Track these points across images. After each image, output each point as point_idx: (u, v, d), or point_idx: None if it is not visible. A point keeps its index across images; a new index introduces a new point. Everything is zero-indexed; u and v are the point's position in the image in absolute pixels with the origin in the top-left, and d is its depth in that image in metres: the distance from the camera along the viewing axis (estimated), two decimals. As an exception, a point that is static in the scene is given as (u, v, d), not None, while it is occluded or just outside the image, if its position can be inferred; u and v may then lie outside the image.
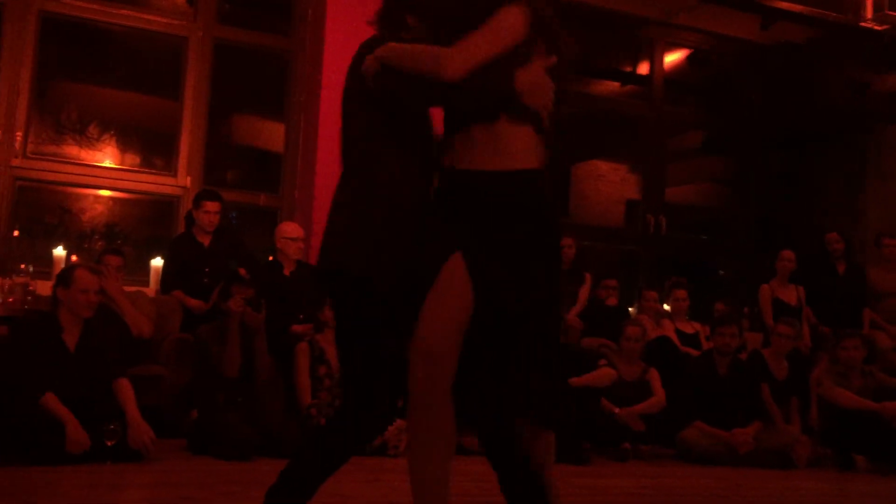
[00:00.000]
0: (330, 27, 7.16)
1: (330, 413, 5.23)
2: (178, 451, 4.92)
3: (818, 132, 9.69)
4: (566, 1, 8.01)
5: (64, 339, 4.56)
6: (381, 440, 5.03)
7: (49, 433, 4.20)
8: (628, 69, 10.03)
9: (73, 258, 6.36)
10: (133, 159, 7.42)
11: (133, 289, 6.08)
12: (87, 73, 7.49)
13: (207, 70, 7.48)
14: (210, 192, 6.50)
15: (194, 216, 6.35)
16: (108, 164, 7.27)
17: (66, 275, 4.65)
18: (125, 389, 4.58)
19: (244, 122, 8.16)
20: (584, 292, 7.31)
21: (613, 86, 10.06)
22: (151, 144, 7.53)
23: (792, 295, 7.68)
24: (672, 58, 9.52)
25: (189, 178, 7.32)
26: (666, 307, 7.59)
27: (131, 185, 7.28)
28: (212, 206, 6.29)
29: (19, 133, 6.84)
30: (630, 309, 8.08)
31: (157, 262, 6.65)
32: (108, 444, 4.23)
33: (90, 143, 7.24)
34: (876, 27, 8.56)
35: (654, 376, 6.36)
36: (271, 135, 7.96)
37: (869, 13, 8.52)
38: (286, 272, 6.34)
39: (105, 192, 7.31)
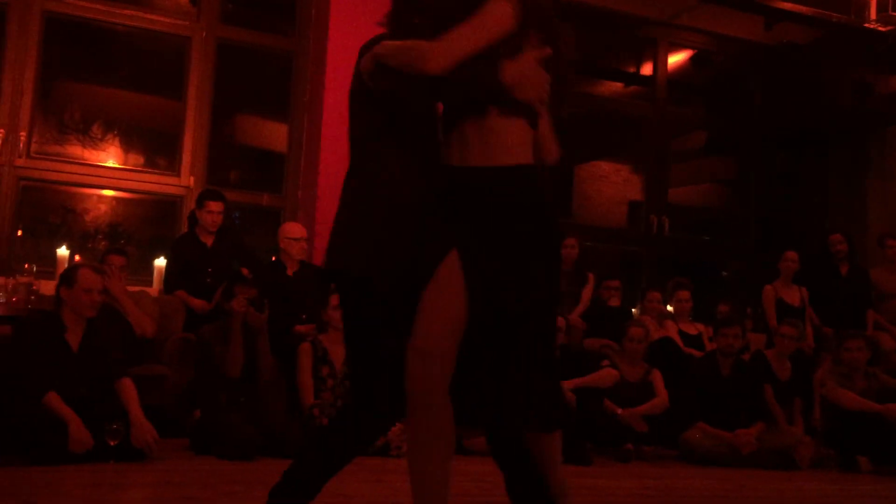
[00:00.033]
0: (333, 27, 7.17)
1: (332, 413, 5.23)
2: (181, 451, 4.93)
3: (821, 133, 9.69)
4: (570, 1, 8.06)
5: (67, 338, 4.56)
6: (383, 441, 5.03)
7: (52, 433, 4.20)
8: (631, 70, 10.03)
9: (77, 258, 6.36)
10: (136, 159, 7.43)
11: (136, 288, 6.08)
12: (91, 73, 7.50)
13: (211, 70, 7.48)
14: (213, 191, 6.50)
15: (197, 216, 6.35)
16: (111, 163, 7.28)
17: (70, 274, 4.65)
18: (128, 389, 4.59)
19: (247, 122, 8.17)
20: (586, 293, 7.30)
21: (617, 86, 10.05)
22: (155, 144, 7.54)
23: (795, 296, 7.67)
24: (675, 58, 9.51)
25: (192, 178, 7.32)
26: (669, 308, 7.58)
27: (135, 185, 7.29)
28: (215, 205, 6.30)
29: (23, 133, 6.85)
30: (633, 310, 8.06)
31: (161, 262, 6.66)
32: (111, 443, 4.23)
33: (94, 142, 7.25)
34: (880, 28, 8.55)
35: (657, 377, 6.36)
36: (274, 135, 7.97)
37: (873, 14, 8.51)
38: (289, 272, 6.35)
39: (108, 192, 7.31)
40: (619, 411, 6.05)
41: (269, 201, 7.66)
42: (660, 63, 9.28)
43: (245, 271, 5.99)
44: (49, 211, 7.20)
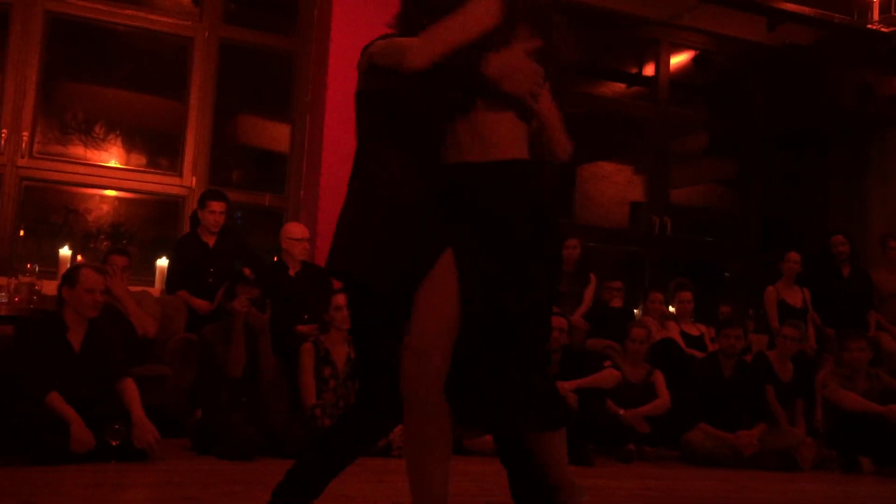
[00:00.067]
0: (336, 27, 7.17)
1: (334, 414, 5.24)
2: (182, 451, 4.93)
3: (823, 134, 9.69)
4: (571, 2, 8.05)
5: (69, 338, 4.56)
6: (385, 441, 5.03)
7: (53, 432, 4.21)
8: (633, 70, 10.02)
9: (79, 258, 6.37)
10: (138, 159, 7.44)
11: (138, 289, 6.09)
12: (93, 74, 7.50)
13: (213, 70, 7.49)
14: (215, 192, 6.51)
15: (199, 216, 6.36)
16: (113, 164, 7.28)
17: (72, 274, 4.66)
18: (130, 389, 4.59)
19: (249, 123, 8.17)
20: (588, 293, 7.31)
21: (619, 87, 10.05)
22: (157, 144, 7.55)
23: (797, 297, 7.67)
24: (677, 59, 9.51)
25: (194, 179, 7.33)
26: (671, 309, 7.58)
27: (137, 186, 7.30)
28: (217, 206, 6.30)
29: (25, 133, 6.86)
30: (635, 310, 8.07)
31: (163, 262, 6.67)
32: (113, 443, 4.23)
33: (96, 143, 7.26)
34: (882, 29, 8.54)
35: (659, 378, 6.36)
36: (276, 135, 7.98)
37: (875, 15, 8.50)
38: (291, 272, 6.35)
39: (111, 192, 7.32)
40: (621, 412, 6.05)
41: (271, 201, 7.66)
42: (662, 64, 9.28)
43: (247, 271, 5.99)
44: (51, 211, 7.21)
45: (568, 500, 2.56)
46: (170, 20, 7.47)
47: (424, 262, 2.44)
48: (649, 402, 6.21)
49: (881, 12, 8.52)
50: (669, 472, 5.70)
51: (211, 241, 6.34)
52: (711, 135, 10.28)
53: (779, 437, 6.18)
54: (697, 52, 9.62)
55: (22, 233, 6.95)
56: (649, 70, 9.50)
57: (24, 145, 6.85)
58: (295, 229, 6.47)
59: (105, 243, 7.15)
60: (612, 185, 10.22)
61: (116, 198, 7.36)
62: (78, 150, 7.18)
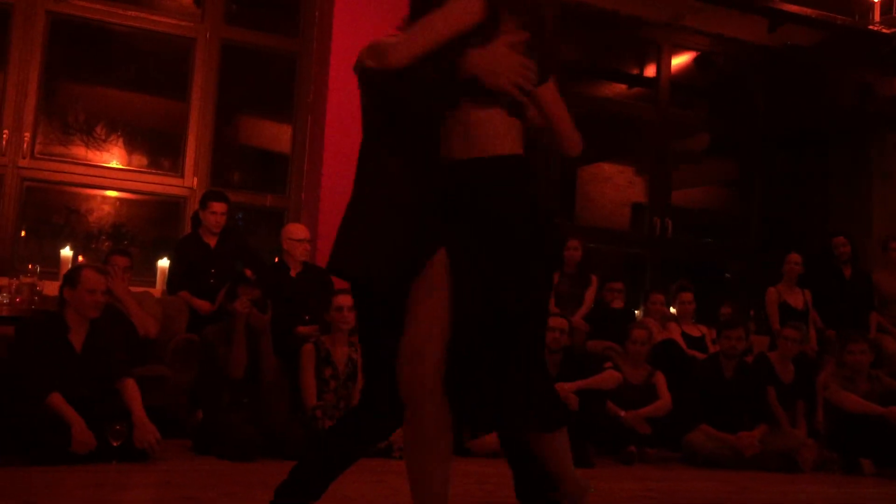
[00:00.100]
0: (337, 28, 7.17)
1: (335, 414, 5.24)
2: (183, 452, 4.94)
3: (824, 134, 9.69)
4: (573, 3, 8.06)
5: (70, 339, 4.57)
6: (385, 442, 5.03)
7: (54, 433, 4.21)
8: (635, 72, 10.03)
9: (80, 258, 6.37)
10: (140, 160, 7.44)
11: (139, 289, 6.09)
12: (95, 74, 7.51)
13: (215, 71, 7.49)
14: (216, 192, 6.51)
15: (201, 217, 6.36)
16: (115, 164, 7.29)
17: (73, 275, 4.66)
18: (131, 390, 4.60)
19: (251, 123, 8.18)
20: (589, 295, 7.31)
21: (620, 88, 10.05)
22: (158, 145, 7.55)
23: (799, 298, 7.66)
24: (679, 60, 9.50)
25: (196, 179, 7.33)
26: (672, 310, 7.58)
27: (138, 186, 7.30)
28: (218, 206, 6.30)
29: (27, 134, 6.86)
30: (636, 312, 8.06)
31: (164, 263, 6.67)
32: (114, 444, 4.23)
33: (97, 143, 7.26)
34: (884, 30, 8.54)
35: (660, 379, 6.35)
36: (278, 136, 7.98)
37: (877, 16, 8.49)
38: (292, 273, 6.35)
39: (112, 193, 7.32)
40: (622, 413, 6.05)
41: (272, 202, 7.67)
42: (663, 65, 9.28)
43: (248, 272, 5.99)
44: (53, 211, 7.21)
45: (573, 500, 2.55)
46: (171, 21, 7.47)
47: (421, 262, 2.44)
48: (650, 404, 6.21)
49: (882, 13, 8.51)
50: (670, 473, 5.70)
51: (212, 241, 6.35)
52: (712, 136, 10.28)
53: (780, 438, 6.18)
54: (698, 53, 9.62)
55: (23, 233, 6.95)
56: (650, 71, 9.51)
57: (25, 146, 6.85)
58: (296, 230, 6.47)
59: (106, 244, 7.15)
60: (613, 186, 10.23)
61: (118, 198, 7.36)
62: (79, 151, 7.19)
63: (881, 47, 8.73)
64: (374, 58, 2.42)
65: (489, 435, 5.36)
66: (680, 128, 9.69)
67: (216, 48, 7.51)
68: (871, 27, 8.57)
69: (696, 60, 9.64)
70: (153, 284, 6.67)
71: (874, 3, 8.49)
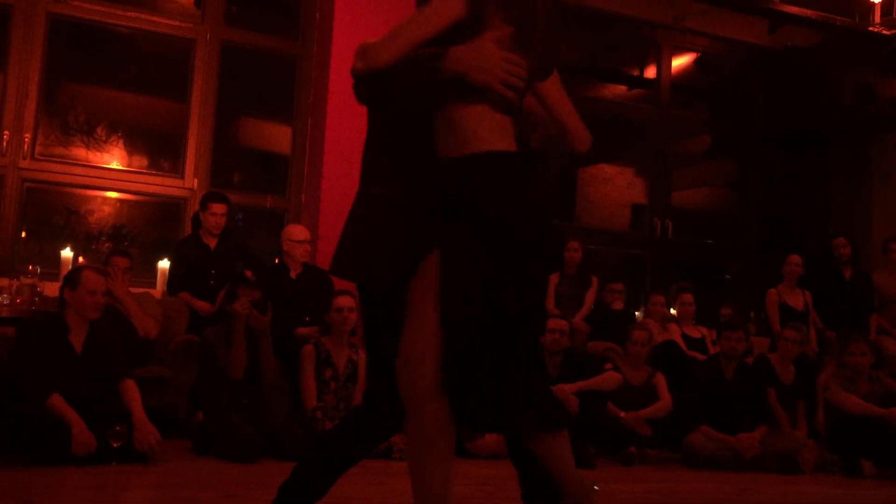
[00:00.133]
0: (338, 29, 7.17)
1: (335, 416, 5.24)
2: (184, 453, 4.93)
3: (824, 136, 9.69)
4: (574, 4, 8.06)
5: (70, 340, 4.57)
6: (386, 443, 5.03)
7: (54, 434, 4.21)
8: (635, 73, 10.03)
9: (81, 260, 6.37)
10: (140, 161, 7.44)
11: (140, 290, 6.09)
12: (95, 75, 7.51)
13: (215, 72, 7.49)
14: (216, 194, 6.51)
15: (201, 218, 6.36)
16: (115, 165, 7.29)
17: (74, 276, 4.66)
18: (131, 391, 4.59)
19: (251, 125, 8.18)
20: (590, 296, 7.31)
21: (620, 89, 10.06)
22: (158, 146, 7.55)
23: (799, 300, 7.66)
24: (679, 61, 9.51)
25: (196, 181, 7.33)
26: (672, 311, 7.58)
27: (138, 187, 7.30)
28: (218, 208, 6.31)
29: (27, 135, 6.86)
30: (636, 313, 8.06)
31: (164, 264, 6.67)
32: (114, 445, 4.23)
33: (98, 144, 7.26)
34: (884, 32, 8.54)
35: (661, 380, 6.35)
36: (278, 137, 7.98)
37: (877, 17, 8.49)
38: (292, 275, 6.35)
39: (112, 194, 7.32)
40: (623, 415, 6.04)
41: (272, 203, 7.66)
42: (663, 66, 9.28)
43: (248, 273, 5.99)
44: (53, 212, 7.21)
45: (577, 502, 2.53)
46: (172, 22, 7.47)
47: (419, 262, 2.44)
48: (650, 405, 6.20)
49: (883, 15, 8.51)
50: (671, 474, 5.69)
51: (212, 243, 6.35)
52: (713, 137, 10.28)
53: (780, 439, 6.17)
54: (699, 54, 9.62)
55: (24, 234, 6.95)
56: (651, 72, 9.51)
57: (25, 147, 6.85)
58: (296, 231, 6.47)
59: (107, 245, 7.15)
60: (614, 187, 10.24)
61: (118, 199, 7.36)
62: (80, 152, 7.19)
63: (881, 48, 8.73)
64: (359, 59, 2.42)
65: (489, 436, 5.36)
66: (680, 129, 9.70)
67: (216, 49, 7.51)
68: (871, 28, 8.57)
69: (696, 62, 9.65)
70: (153, 285, 6.67)
71: (874, 4, 8.49)
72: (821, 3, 8.63)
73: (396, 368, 2.40)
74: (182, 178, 7.36)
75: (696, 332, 7.30)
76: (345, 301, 5.48)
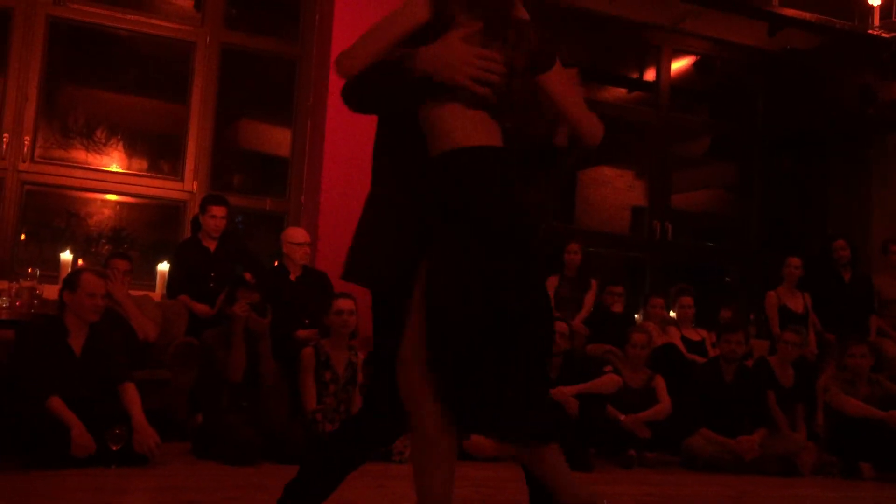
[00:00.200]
0: (337, 32, 7.17)
1: (335, 418, 5.24)
2: (183, 455, 4.93)
3: (824, 139, 9.69)
4: (573, 7, 8.07)
5: (70, 342, 4.57)
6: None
7: (54, 437, 4.21)
8: (635, 75, 10.03)
9: (80, 262, 6.37)
10: (140, 164, 7.45)
11: (139, 293, 6.08)
12: (95, 78, 7.51)
13: (214, 75, 7.50)
14: (216, 196, 6.52)
15: (200, 221, 6.36)
16: (115, 168, 7.29)
17: (73, 279, 4.66)
18: (131, 393, 4.60)
19: (251, 127, 8.18)
20: (589, 298, 7.32)
21: (620, 92, 10.06)
22: (158, 149, 7.56)
23: (799, 302, 7.66)
24: (679, 64, 9.52)
25: (196, 183, 7.33)
26: (672, 314, 7.58)
27: (138, 190, 7.30)
28: (218, 210, 6.31)
29: (27, 137, 6.87)
30: (636, 315, 8.06)
31: (164, 267, 6.67)
32: (114, 448, 4.24)
33: (97, 147, 7.27)
34: (883, 35, 8.55)
35: (660, 383, 6.35)
36: (278, 140, 7.98)
37: (876, 20, 8.50)
38: (292, 277, 6.35)
39: (112, 197, 7.32)
40: (622, 417, 6.04)
41: (272, 206, 7.67)
42: (663, 69, 9.29)
43: (248, 276, 5.99)
44: (53, 215, 7.22)
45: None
46: (171, 24, 7.48)
47: (419, 262, 2.44)
48: (650, 408, 6.20)
49: (882, 18, 8.52)
50: (670, 477, 5.69)
51: (212, 245, 6.35)
52: (713, 140, 10.28)
53: (779, 442, 6.17)
54: (698, 57, 9.63)
55: (23, 237, 6.95)
56: (650, 75, 9.51)
57: (25, 149, 6.86)
58: (296, 234, 6.47)
59: (106, 247, 7.15)
60: (613, 190, 10.23)
61: (118, 202, 7.36)
62: (79, 155, 7.19)
63: (881, 51, 8.74)
64: (335, 68, 2.44)
65: (486, 439, 5.36)
66: (680, 131, 9.69)
67: (216, 52, 7.52)
68: (870, 31, 8.58)
69: (696, 64, 9.65)
70: (153, 288, 6.67)
71: (874, 7, 8.51)
72: (820, 6, 8.64)
73: (396, 367, 2.41)
74: (182, 180, 7.36)
75: (695, 335, 7.30)
76: (344, 304, 5.48)
